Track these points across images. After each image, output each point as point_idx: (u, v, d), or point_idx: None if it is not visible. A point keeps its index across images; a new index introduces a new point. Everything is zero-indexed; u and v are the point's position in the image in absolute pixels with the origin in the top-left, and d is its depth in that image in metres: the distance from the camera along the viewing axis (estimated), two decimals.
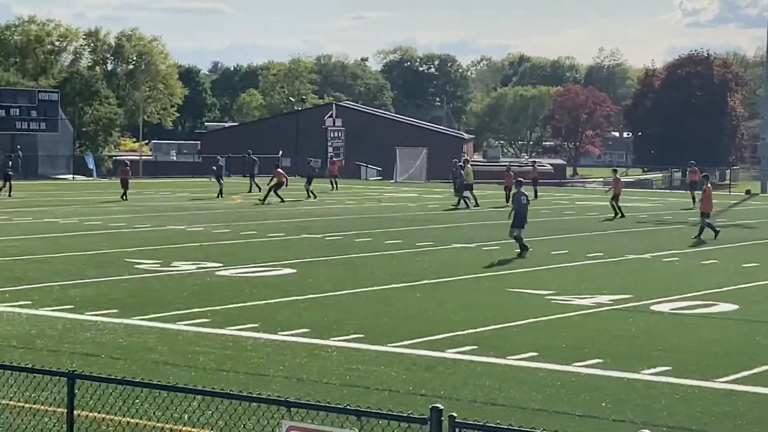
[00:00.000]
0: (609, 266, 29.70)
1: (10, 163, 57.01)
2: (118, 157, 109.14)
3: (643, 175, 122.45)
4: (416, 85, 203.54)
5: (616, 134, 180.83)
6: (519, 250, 30.90)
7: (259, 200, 53.14)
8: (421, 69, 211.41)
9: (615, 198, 46.27)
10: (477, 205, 51.39)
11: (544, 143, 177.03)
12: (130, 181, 54.31)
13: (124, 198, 52.23)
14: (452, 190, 54.01)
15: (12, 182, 55.11)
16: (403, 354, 17.00)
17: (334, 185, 65.30)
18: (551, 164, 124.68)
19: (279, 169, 54.60)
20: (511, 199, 32.34)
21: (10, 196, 53.06)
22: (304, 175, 60.92)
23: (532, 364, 16.44)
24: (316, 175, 61.60)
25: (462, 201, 51.81)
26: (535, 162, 79.34)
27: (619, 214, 45.70)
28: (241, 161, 79.72)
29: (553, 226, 41.75)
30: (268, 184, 54.38)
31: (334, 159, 74.82)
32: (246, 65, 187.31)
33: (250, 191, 58.84)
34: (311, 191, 56.89)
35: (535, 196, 59.03)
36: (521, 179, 34.19)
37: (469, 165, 54.35)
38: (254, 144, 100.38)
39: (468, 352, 17.12)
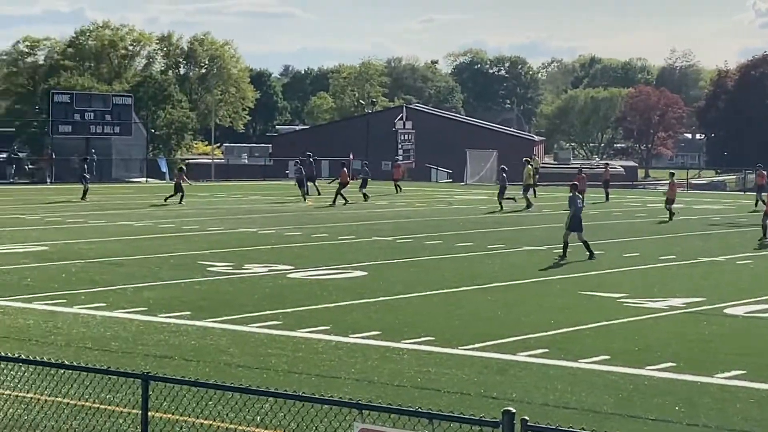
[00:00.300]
0: (682, 269, 29.41)
1: (86, 166, 57.55)
2: (188, 161, 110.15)
3: (716, 177, 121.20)
4: (486, 87, 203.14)
5: (689, 136, 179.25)
6: (588, 253, 30.52)
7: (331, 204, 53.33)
8: (491, 71, 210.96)
9: (668, 202, 45.98)
10: (529, 206, 51.13)
11: (615, 145, 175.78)
12: (184, 185, 52.99)
13: (181, 202, 51.08)
14: (520, 193, 53.49)
15: (87, 186, 55.56)
16: (474, 357, 16.98)
17: (398, 189, 65.13)
18: (623, 166, 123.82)
19: (344, 170, 55.08)
20: (568, 202, 31.92)
21: (84, 199, 53.57)
22: (361, 178, 60.84)
23: (605, 367, 16.34)
24: (370, 178, 61.70)
25: (525, 201, 51.67)
26: (607, 164, 78.75)
27: (670, 219, 45.30)
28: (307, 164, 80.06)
29: (624, 229, 41.45)
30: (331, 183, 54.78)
31: (399, 163, 74.49)
32: (317, 68, 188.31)
33: (319, 194, 58.74)
34: (365, 194, 57.20)
35: (606, 198, 58.66)
36: (576, 183, 34.00)
37: (529, 165, 54.06)
38: (324, 147, 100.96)
39: (539, 355, 17.05)
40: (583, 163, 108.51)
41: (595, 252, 30.77)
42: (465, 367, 16.18)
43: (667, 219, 45.31)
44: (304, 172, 57.89)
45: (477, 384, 15.15)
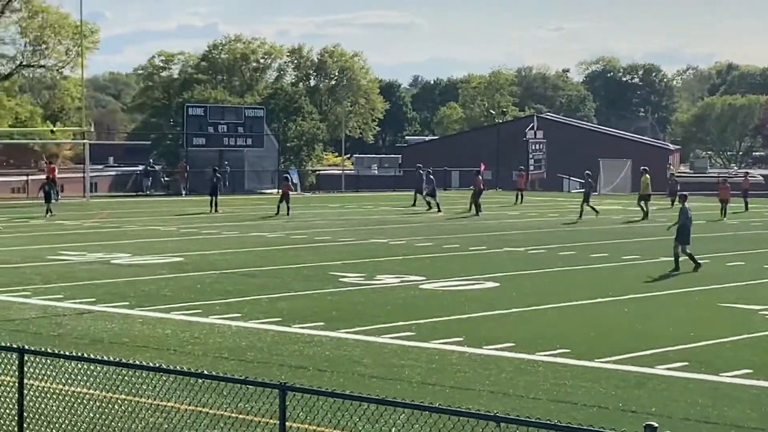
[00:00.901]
0: None
1: (217, 177, 58.11)
2: (318, 172, 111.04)
3: None
4: (619, 95, 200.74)
5: None
6: (694, 265, 29.66)
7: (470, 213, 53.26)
8: (624, 79, 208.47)
9: None
10: (646, 217, 50.25)
11: (754, 153, 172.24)
12: (291, 194, 53.07)
13: (287, 213, 51.12)
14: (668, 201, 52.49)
15: (218, 198, 56.15)
16: (611, 370, 16.72)
17: (519, 198, 64.56)
18: (762, 175, 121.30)
19: (479, 177, 55.08)
20: (679, 212, 31.01)
21: (217, 211, 54.17)
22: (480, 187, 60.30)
23: (747, 381, 15.95)
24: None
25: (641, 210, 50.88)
26: (746, 173, 77.01)
27: None
28: (442, 174, 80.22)
29: (764, 239, 40.55)
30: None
31: (522, 172, 73.27)
32: (446, 79, 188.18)
33: (430, 208, 58.02)
34: (477, 204, 56.88)
35: (746, 208, 57.46)
36: (686, 193, 33.10)
37: (646, 175, 52.86)
38: (454, 157, 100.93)
39: (678, 369, 16.72)
40: (720, 172, 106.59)
41: (735, 263, 30.13)
42: (602, 380, 15.95)
43: None
44: (425, 184, 57.93)
45: (615, 398, 14.91)
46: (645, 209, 51.12)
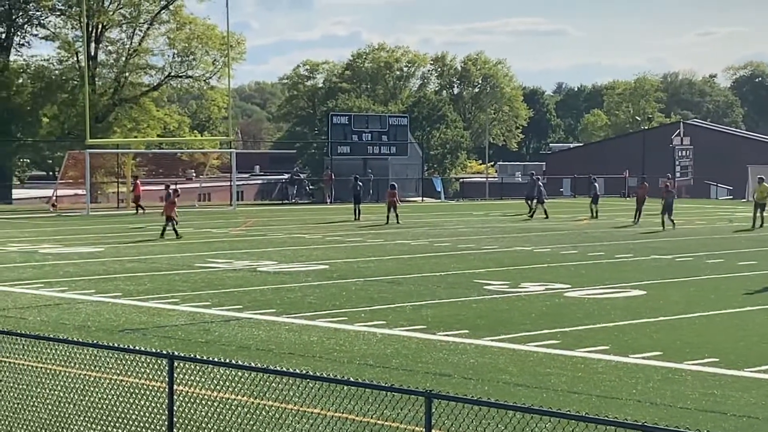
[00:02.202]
0: None
1: (359, 186, 58.50)
2: (462, 180, 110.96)
3: None
4: None
5: None
6: None
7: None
8: None
9: None
10: (762, 225, 48.74)
11: None
12: (398, 203, 52.81)
13: (397, 221, 51.11)
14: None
15: (361, 205, 56.60)
16: (762, 379, 16.39)
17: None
18: None
19: (644, 184, 54.71)
20: None
21: (358, 219, 54.58)
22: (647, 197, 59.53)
23: None
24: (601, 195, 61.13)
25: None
26: None
27: None
28: (586, 182, 79.32)
29: None
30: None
31: (645, 183, 69.82)
32: (590, 85, 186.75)
33: (531, 214, 57.83)
34: (594, 210, 56.30)
35: None
36: None
37: (765, 184, 50.55)
38: (599, 164, 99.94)
39: None
40: None
41: None
42: (752, 390, 15.64)
43: None
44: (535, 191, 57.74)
45: (765, 408, 14.60)
46: (757, 218, 49.48)
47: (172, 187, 46.94)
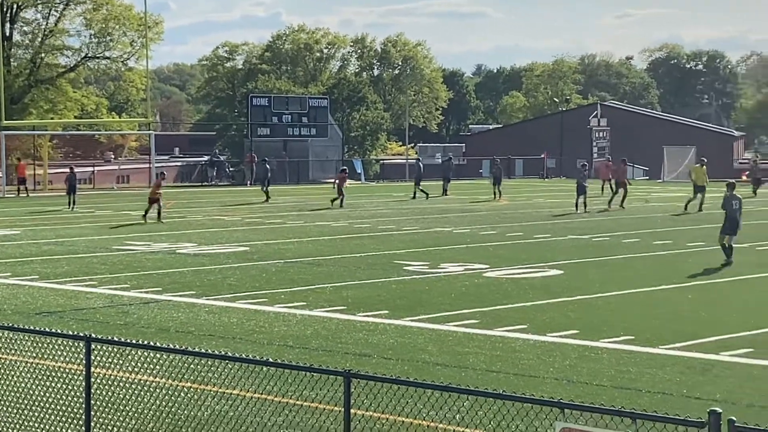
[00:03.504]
0: None
1: (268, 168, 57.79)
2: (383, 161, 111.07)
3: None
4: (683, 82, 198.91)
5: None
6: (726, 258, 28.35)
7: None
8: (688, 66, 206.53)
9: None
10: (701, 209, 47.38)
11: None
12: (344, 187, 52.30)
13: (340, 205, 50.43)
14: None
15: (269, 187, 56.03)
16: (676, 356, 16.67)
17: (609, 188, 61.83)
18: None
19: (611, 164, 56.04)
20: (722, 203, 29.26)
21: (268, 201, 54.11)
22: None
23: None
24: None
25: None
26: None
27: None
28: (506, 163, 79.90)
29: None
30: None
31: (609, 163, 68.51)
32: (509, 67, 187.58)
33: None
34: (497, 192, 56.53)
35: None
36: (734, 181, 30.74)
37: (700, 166, 50.18)
38: (518, 146, 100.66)
39: (743, 355, 16.64)
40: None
41: None
42: (666, 367, 15.90)
43: None
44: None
45: (679, 384, 14.87)
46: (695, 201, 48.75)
47: (160, 170, 46.44)
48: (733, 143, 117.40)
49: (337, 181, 53.08)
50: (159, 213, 41.83)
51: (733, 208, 28.79)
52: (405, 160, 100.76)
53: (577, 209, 46.74)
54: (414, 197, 57.66)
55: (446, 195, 59.88)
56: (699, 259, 29.59)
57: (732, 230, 28.63)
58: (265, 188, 55.69)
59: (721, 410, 7.31)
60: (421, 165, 63.86)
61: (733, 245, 28.79)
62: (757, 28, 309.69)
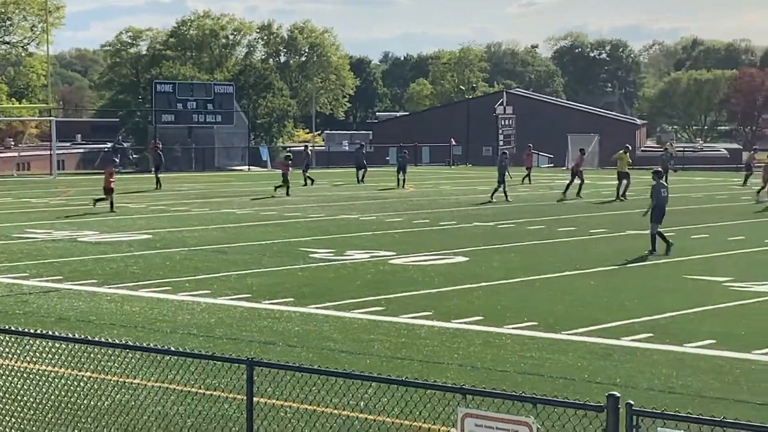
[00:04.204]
0: None
1: (158, 154, 57.19)
2: (289, 148, 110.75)
3: None
4: (587, 71, 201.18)
5: None
6: (654, 247, 28.03)
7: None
8: (592, 55, 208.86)
9: None
10: (623, 196, 46.94)
11: (718, 128, 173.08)
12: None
13: (287, 194, 49.56)
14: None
15: (160, 174, 55.34)
16: (578, 342, 16.85)
17: (528, 179, 60.01)
18: (726, 149, 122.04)
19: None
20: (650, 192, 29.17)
21: (159, 188, 53.41)
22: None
23: (710, 351, 16.11)
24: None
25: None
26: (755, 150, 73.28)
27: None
28: (412, 150, 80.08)
29: (729, 212, 40.82)
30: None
31: (531, 151, 65.26)
32: (416, 55, 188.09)
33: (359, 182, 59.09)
34: (401, 180, 56.50)
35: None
36: (660, 170, 30.53)
37: (624, 152, 50.07)
38: (425, 133, 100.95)
39: (644, 340, 16.88)
40: (686, 147, 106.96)
41: (700, 236, 30.26)
42: (569, 352, 16.07)
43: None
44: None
45: (581, 369, 15.03)
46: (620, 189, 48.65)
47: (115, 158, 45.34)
48: (636, 131, 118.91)
49: (281, 170, 52.13)
50: (111, 203, 40.68)
51: (662, 196, 28.65)
52: (312, 147, 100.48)
53: (492, 198, 46.59)
54: (305, 184, 56.78)
55: (361, 183, 59.58)
56: (602, 246, 29.94)
57: (660, 218, 28.43)
58: (157, 175, 55.08)
59: (619, 394, 7.39)
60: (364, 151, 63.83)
61: (637, 231, 29.08)
62: (658, 17, 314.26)
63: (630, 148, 52.67)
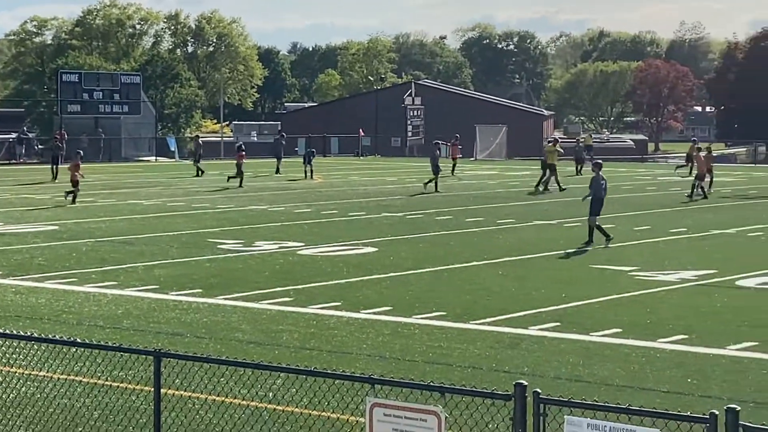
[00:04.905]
0: (693, 241, 29.37)
1: (57, 146, 56.50)
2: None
3: (726, 150, 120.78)
4: (495, 62, 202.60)
5: (699, 109, 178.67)
6: (605, 238, 27.93)
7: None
8: (499, 46, 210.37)
9: (698, 178, 43.59)
10: (546, 188, 46.83)
11: (625, 119, 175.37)
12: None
13: (239, 185, 48.91)
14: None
15: (59, 165, 54.68)
16: (486, 331, 16.98)
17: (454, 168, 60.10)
18: (632, 140, 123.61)
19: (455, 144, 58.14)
20: (589, 183, 29.18)
21: (55, 180, 52.73)
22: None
23: (616, 340, 16.33)
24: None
25: (546, 184, 48.29)
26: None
27: (704, 196, 43.07)
28: (321, 141, 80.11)
29: (635, 202, 41.38)
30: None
31: (456, 142, 64.10)
32: (325, 45, 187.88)
33: (277, 172, 58.97)
34: (308, 171, 56.35)
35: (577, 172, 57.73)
36: (601, 161, 30.31)
37: (551, 145, 50.03)
38: (334, 124, 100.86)
39: (551, 329, 17.05)
40: (593, 137, 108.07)
41: (606, 226, 30.55)
42: (477, 342, 16.18)
43: (701, 196, 42.75)
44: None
45: (489, 358, 15.14)
46: (553, 180, 47.17)
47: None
48: (543, 122, 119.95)
49: (236, 160, 51.42)
50: (74, 196, 39.87)
51: (601, 188, 28.59)
52: (220, 138, 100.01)
53: (425, 188, 46.75)
54: (198, 175, 56.44)
55: (278, 173, 59.27)
56: (509, 236, 30.19)
57: (599, 210, 28.34)
58: (54, 167, 54.36)
59: (527, 383, 7.46)
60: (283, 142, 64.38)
61: (543, 221, 29.36)
62: (565, 9, 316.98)
63: (557, 140, 52.87)
